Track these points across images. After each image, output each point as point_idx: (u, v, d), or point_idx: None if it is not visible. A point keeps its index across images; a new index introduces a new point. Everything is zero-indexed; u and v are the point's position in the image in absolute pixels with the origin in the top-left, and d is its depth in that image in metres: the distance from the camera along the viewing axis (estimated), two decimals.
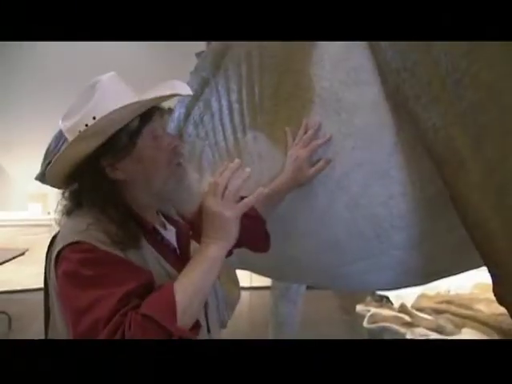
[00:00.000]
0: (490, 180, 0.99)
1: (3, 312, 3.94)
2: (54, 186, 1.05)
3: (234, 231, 0.93)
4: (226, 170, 0.93)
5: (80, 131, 0.94)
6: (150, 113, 0.99)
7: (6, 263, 3.67)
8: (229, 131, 1.46)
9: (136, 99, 0.97)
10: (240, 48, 1.46)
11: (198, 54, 1.83)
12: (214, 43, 1.59)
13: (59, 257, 0.90)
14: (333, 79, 1.23)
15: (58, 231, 0.99)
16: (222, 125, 1.48)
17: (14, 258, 3.78)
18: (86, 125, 0.94)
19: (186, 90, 1.01)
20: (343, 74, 1.22)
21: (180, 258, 1.05)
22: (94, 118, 0.93)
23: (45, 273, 0.97)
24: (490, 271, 1.05)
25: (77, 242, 0.89)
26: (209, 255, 0.91)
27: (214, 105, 1.52)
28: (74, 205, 1.01)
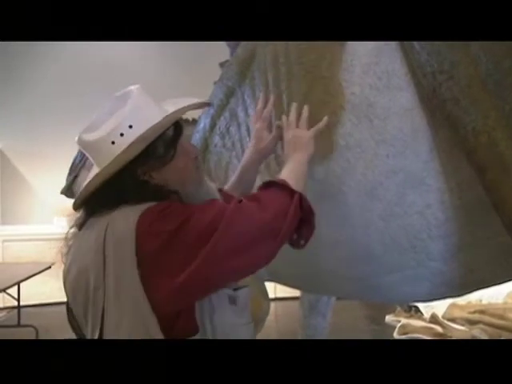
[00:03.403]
0: None
1: (31, 325, 3.96)
2: (79, 206, 1.02)
3: (312, 147, 1.18)
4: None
5: (113, 142, 0.93)
6: (181, 123, 1.01)
7: (34, 277, 3.70)
8: None
9: (165, 108, 0.99)
10: (266, 55, 1.43)
11: (222, 64, 1.81)
12: (239, 52, 1.56)
13: (141, 230, 0.88)
14: (363, 84, 1.20)
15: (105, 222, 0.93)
16: (250, 135, 1.45)
17: (41, 271, 3.81)
18: (122, 134, 0.93)
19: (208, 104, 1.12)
20: (374, 79, 1.18)
21: None
22: (131, 127, 0.93)
23: (104, 265, 0.90)
24: None
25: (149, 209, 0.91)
26: (295, 158, 1.14)
27: (241, 115, 1.49)
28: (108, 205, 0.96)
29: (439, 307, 3.03)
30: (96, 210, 0.99)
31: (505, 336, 2.65)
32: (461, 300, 3.04)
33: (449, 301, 3.03)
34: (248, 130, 1.46)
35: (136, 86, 0.99)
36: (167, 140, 0.97)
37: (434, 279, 1.32)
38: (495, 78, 0.96)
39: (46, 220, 5.22)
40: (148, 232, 0.88)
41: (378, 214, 1.23)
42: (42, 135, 5.21)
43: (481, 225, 1.18)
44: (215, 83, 1.71)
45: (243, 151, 1.49)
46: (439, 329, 2.80)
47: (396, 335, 2.80)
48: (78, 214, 1.04)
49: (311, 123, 1.29)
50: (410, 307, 3.16)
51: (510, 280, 1.38)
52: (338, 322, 2.95)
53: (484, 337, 2.65)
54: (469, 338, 2.67)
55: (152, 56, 5.27)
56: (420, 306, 3.10)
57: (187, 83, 4.46)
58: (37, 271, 3.76)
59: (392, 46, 1.16)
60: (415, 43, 1.09)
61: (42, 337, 3.88)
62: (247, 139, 1.46)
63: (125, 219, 0.91)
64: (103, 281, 0.90)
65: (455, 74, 1.02)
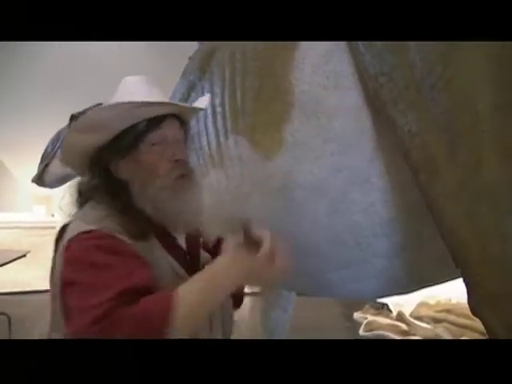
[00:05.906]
0: (464, 187, 0.97)
1: (3, 313, 3.95)
2: (73, 168, 1.07)
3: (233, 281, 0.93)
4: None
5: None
6: (159, 119, 0.99)
7: (10, 264, 3.68)
8: (212, 135, 1.45)
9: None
10: (225, 51, 1.45)
11: (191, 58, 1.82)
12: (201, 47, 1.58)
13: (70, 244, 0.90)
14: (313, 83, 1.22)
15: (67, 222, 0.98)
16: (206, 129, 1.47)
17: (15, 259, 3.79)
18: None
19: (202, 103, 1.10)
20: (323, 78, 1.20)
21: (189, 261, 1.04)
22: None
23: (52, 267, 0.96)
24: (464, 281, 1.03)
25: (91, 231, 0.90)
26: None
27: None
28: (85, 199, 1.02)
29: (408, 305, 3.08)
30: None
31: (467, 335, 2.70)
32: (430, 299, 3.09)
33: (418, 299, 3.08)
34: (205, 124, 1.48)
35: (136, 76, 1.02)
36: (135, 133, 0.97)
37: (379, 276, 1.35)
38: (429, 82, 0.98)
39: (25, 208, 5.20)
40: (72, 257, 0.89)
41: (324, 210, 1.26)
42: (22, 125, 5.17)
43: (424, 224, 1.20)
44: (180, 77, 1.73)
45: (201, 145, 1.51)
46: (404, 326, 2.85)
47: (362, 332, 2.85)
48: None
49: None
50: (382, 305, 3.20)
51: (455, 278, 1.41)
52: (312, 318, 2.97)
53: (447, 335, 2.70)
54: (433, 335, 2.71)
55: (138, 53, 5.25)
56: (390, 303, 3.14)
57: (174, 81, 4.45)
58: (10, 259, 3.74)
59: (341, 47, 1.18)
60: (361, 45, 1.11)
61: (15, 325, 3.87)
62: (204, 133, 1.48)
63: (71, 231, 0.92)
64: (52, 281, 0.95)
65: (394, 76, 1.04)
